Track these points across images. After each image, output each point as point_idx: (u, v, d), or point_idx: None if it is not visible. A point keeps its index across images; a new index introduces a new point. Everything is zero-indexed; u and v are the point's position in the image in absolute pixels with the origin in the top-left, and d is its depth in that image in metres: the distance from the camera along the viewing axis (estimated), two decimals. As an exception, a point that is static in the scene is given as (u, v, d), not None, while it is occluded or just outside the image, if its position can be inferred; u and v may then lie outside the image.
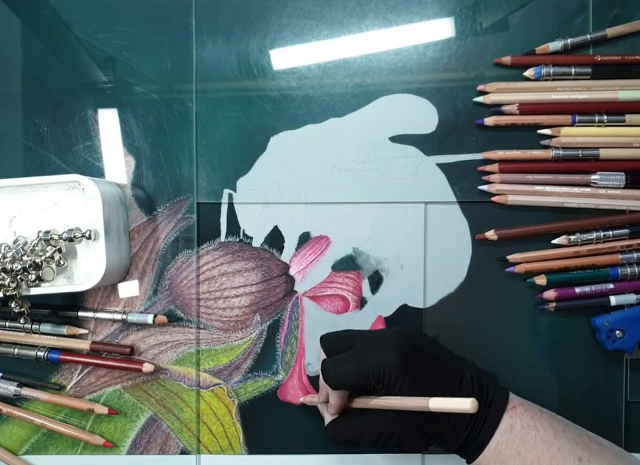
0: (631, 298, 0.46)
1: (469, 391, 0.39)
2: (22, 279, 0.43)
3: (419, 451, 0.39)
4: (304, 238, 0.48)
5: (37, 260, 0.42)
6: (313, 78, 0.48)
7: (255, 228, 0.48)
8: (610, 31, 0.46)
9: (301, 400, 0.47)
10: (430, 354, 0.41)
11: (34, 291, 0.43)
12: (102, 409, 0.47)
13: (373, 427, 0.39)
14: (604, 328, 0.46)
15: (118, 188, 0.47)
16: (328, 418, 0.43)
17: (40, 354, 0.47)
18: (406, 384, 0.38)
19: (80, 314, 0.47)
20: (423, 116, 0.47)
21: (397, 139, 0.47)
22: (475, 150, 0.47)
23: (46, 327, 0.47)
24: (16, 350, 0.47)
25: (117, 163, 0.48)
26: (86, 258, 0.44)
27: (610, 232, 0.46)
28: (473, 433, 0.39)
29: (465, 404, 0.33)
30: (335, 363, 0.40)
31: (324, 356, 0.42)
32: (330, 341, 0.43)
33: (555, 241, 0.46)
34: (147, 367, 0.46)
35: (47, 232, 0.43)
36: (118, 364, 0.47)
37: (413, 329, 0.47)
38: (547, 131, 0.46)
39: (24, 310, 0.44)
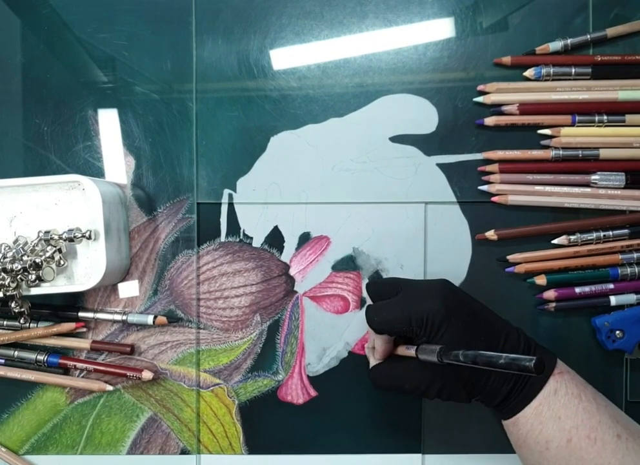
0: (631, 298, 0.46)
1: (514, 348, 0.38)
2: (22, 279, 0.43)
3: (468, 400, 0.38)
4: (304, 238, 0.48)
5: (37, 260, 0.42)
6: (313, 78, 0.48)
7: (255, 228, 0.48)
8: (610, 31, 0.46)
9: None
10: (475, 308, 0.40)
11: (34, 291, 0.43)
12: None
13: (415, 375, 0.39)
14: (604, 328, 0.46)
15: (118, 188, 0.47)
16: (372, 363, 0.43)
17: (40, 357, 0.47)
18: (448, 333, 0.37)
19: (81, 314, 0.47)
20: (423, 116, 0.47)
21: (397, 139, 0.47)
22: (475, 150, 0.47)
23: (44, 325, 0.47)
24: (16, 352, 0.47)
25: (117, 163, 0.48)
26: (86, 258, 0.44)
27: (610, 232, 0.46)
28: (516, 388, 0.38)
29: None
30: (379, 308, 0.40)
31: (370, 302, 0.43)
32: (375, 287, 0.43)
33: (555, 241, 0.46)
34: (146, 375, 0.46)
35: (47, 232, 0.43)
36: (117, 370, 0.47)
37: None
38: (547, 131, 0.46)
39: (24, 310, 0.44)
